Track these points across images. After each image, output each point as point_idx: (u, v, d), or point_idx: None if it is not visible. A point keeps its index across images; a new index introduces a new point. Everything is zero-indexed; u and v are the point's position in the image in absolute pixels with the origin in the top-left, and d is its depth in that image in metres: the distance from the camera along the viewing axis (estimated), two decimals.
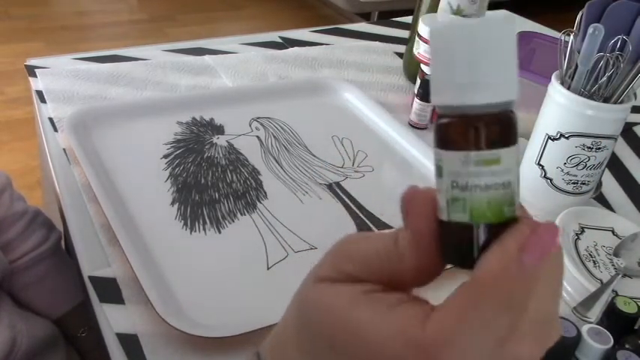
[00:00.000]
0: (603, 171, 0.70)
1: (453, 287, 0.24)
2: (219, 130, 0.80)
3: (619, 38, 0.61)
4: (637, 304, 0.54)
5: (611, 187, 0.81)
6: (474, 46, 0.23)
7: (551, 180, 0.68)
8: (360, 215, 0.69)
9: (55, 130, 0.77)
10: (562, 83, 0.65)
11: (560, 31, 0.67)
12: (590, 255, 0.65)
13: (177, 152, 0.75)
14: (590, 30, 0.60)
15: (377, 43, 1.13)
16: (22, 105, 2.13)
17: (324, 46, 1.08)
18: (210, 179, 0.71)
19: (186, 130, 0.79)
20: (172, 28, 2.97)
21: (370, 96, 0.90)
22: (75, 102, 0.82)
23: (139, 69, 0.93)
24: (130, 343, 0.52)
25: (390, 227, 0.68)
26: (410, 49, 0.95)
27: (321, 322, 0.26)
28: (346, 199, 0.71)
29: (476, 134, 0.24)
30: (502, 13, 1.35)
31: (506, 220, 0.24)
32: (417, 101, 0.85)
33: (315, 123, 0.85)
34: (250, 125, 0.82)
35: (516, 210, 0.25)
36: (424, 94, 0.84)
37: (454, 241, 0.25)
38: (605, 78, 0.62)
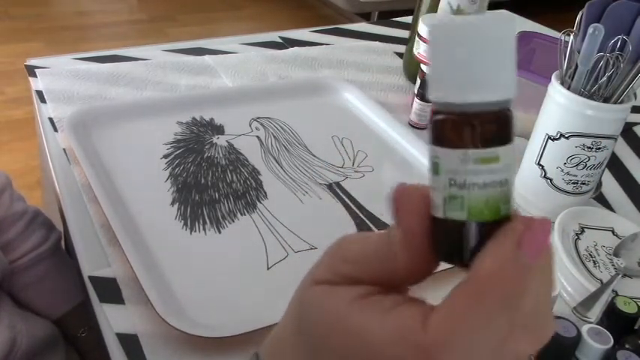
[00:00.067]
0: (603, 171, 0.70)
1: (453, 287, 0.24)
2: (219, 130, 0.80)
3: (619, 38, 0.61)
4: (637, 304, 0.54)
5: (611, 187, 0.81)
6: (475, 44, 0.23)
7: (551, 180, 0.68)
8: (360, 215, 0.69)
9: (55, 130, 0.77)
10: (562, 83, 0.65)
11: (560, 31, 0.67)
12: (590, 255, 0.65)
13: (177, 152, 0.75)
14: (590, 30, 0.60)
15: (377, 43, 1.13)
16: (22, 105, 2.13)
17: (324, 46, 1.08)
18: (210, 179, 0.71)
19: (186, 130, 0.79)
20: (172, 28, 2.96)
21: (370, 96, 0.90)
22: (75, 102, 0.82)
23: (139, 69, 0.93)
24: (129, 343, 0.52)
25: None
26: (410, 49, 0.95)
27: (319, 325, 0.26)
28: (346, 199, 0.71)
29: (475, 132, 0.24)
30: (502, 13, 1.35)
31: (501, 218, 0.24)
32: (417, 101, 0.85)
33: (315, 123, 0.85)
34: (250, 125, 0.82)
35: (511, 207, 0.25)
36: (424, 94, 0.84)
37: (449, 238, 0.25)
38: (605, 78, 0.62)
